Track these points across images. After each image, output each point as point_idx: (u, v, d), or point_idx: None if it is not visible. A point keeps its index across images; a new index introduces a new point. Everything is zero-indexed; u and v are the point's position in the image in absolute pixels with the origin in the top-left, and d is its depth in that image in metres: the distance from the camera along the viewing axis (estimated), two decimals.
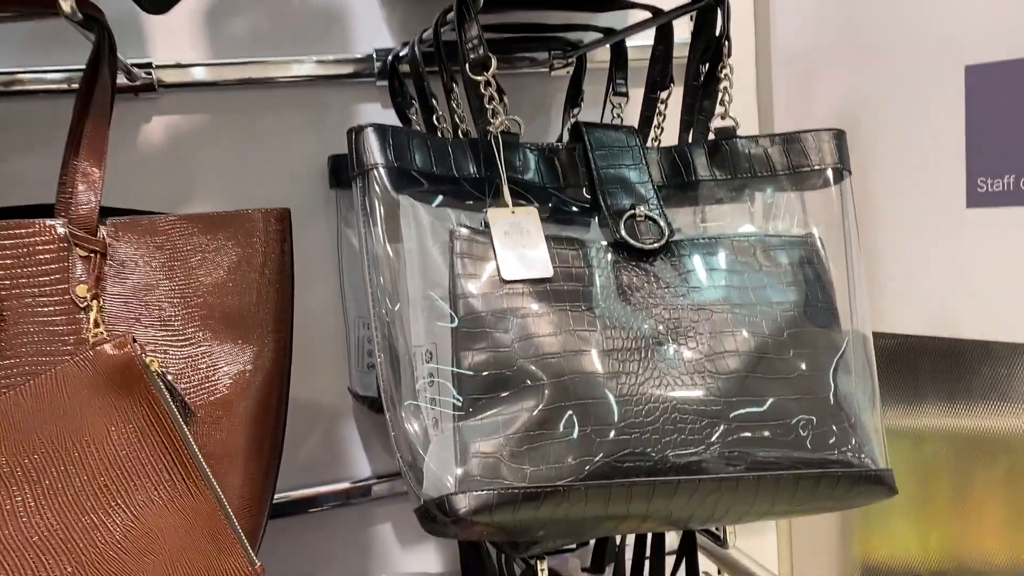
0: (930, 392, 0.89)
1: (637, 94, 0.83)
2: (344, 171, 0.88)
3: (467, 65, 0.62)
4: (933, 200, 0.81)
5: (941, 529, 0.90)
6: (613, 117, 0.87)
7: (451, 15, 0.66)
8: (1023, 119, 0.76)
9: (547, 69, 0.96)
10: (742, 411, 0.57)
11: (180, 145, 0.88)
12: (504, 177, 0.60)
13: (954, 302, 0.82)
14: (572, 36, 0.91)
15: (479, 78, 0.62)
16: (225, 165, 0.89)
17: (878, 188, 0.86)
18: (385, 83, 0.90)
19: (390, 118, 0.90)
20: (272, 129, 0.90)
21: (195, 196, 0.89)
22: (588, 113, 0.91)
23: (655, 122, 0.80)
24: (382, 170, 0.58)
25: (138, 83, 0.84)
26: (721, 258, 0.62)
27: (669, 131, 0.80)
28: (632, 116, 0.84)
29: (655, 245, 0.61)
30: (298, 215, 0.88)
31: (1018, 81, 0.76)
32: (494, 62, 0.63)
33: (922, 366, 0.88)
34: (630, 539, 0.89)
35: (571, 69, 0.93)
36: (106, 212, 0.65)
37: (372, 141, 0.59)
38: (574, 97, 0.91)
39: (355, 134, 0.60)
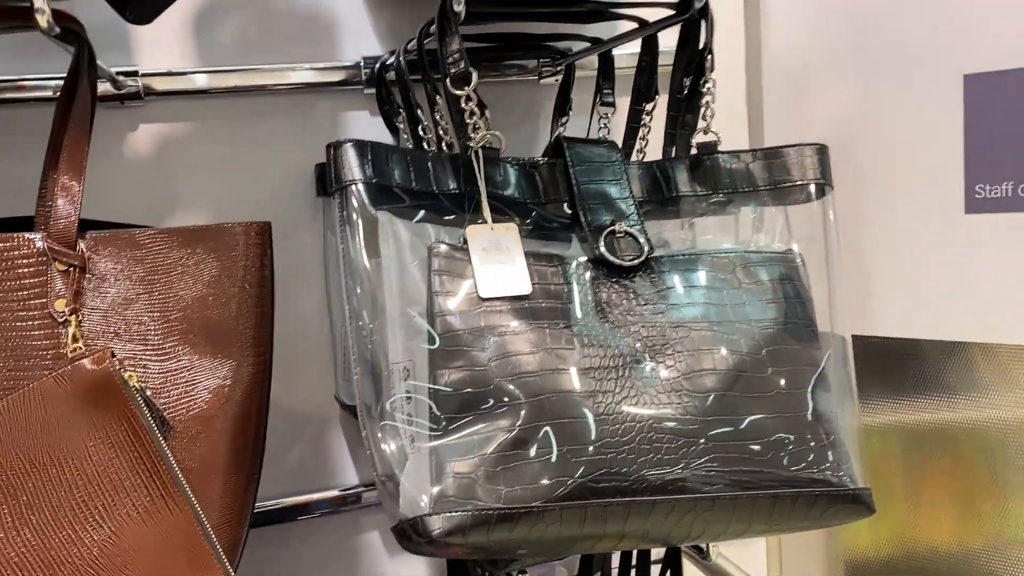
0: (875, 389, 0.93)
1: (625, 102, 0.83)
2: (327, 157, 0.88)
3: (448, 80, 0.62)
4: (932, 206, 0.83)
5: (892, 520, 0.93)
6: (600, 127, 0.87)
7: (434, 27, 0.66)
8: (1021, 127, 0.78)
9: (536, 77, 0.96)
10: (719, 430, 0.57)
11: (166, 153, 0.88)
12: (484, 193, 0.59)
13: (952, 305, 0.84)
14: (561, 45, 0.91)
15: (460, 92, 0.61)
16: (212, 173, 0.89)
17: (878, 194, 0.87)
18: (373, 91, 0.89)
19: (378, 126, 0.90)
20: (259, 137, 0.90)
21: (181, 204, 0.89)
22: (576, 121, 0.90)
23: (640, 133, 0.80)
24: (361, 186, 0.58)
25: (124, 91, 0.84)
26: (701, 275, 0.62)
27: (655, 141, 0.80)
28: (619, 125, 0.84)
29: (634, 262, 0.61)
30: (285, 223, 0.89)
31: (1016, 90, 0.78)
32: (475, 77, 0.63)
33: (866, 365, 0.91)
34: None
35: (560, 77, 0.93)
36: (86, 225, 0.65)
37: (351, 157, 0.59)
38: (562, 105, 0.91)
39: (334, 150, 0.60)
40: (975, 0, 0.80)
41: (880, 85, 0.86)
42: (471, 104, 0.62)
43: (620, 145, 0.80)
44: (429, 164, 0.61)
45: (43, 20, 0.58)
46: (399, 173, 0.59)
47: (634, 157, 0.80)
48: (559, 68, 0.94)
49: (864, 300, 0.89)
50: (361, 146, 0.59)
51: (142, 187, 0.87)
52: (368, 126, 0.92)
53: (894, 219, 0.86)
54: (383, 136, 0.89)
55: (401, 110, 0.81)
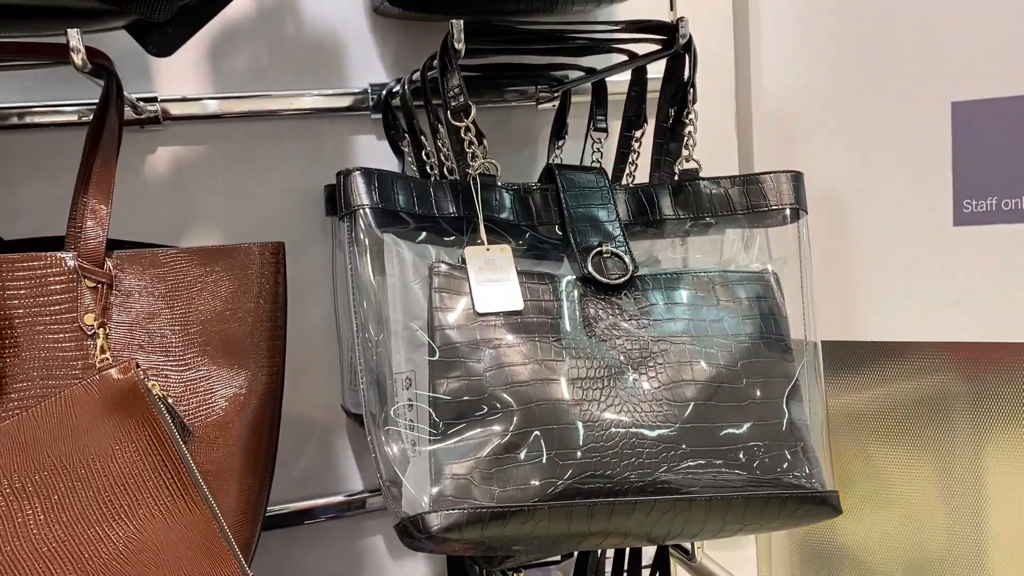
0: None
1: (618, 126, 0.87)
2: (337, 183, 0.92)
3: (449, 112, 0.67)
4: (923, 219, 0.92)
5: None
6: (594, 150, 0.92)
7: (436, 61, 0.71)
8: (1003, 148, 0.89)
9: (534, 103, 1.01)
10: (697, 437, 0.61)
11: (184, 174, 0.93)
12: (481, 217, 0.64)
13: (941, 309, 0.93)
14: (558, 72, 0.96)
15: (459, 124, 0.66)
16: (227, 193, 0.94)
17: (873, 208, 0.95)
18: (379, 116, 0.94)
19: (384, 149, 0.95)
20: (271, 159, 0.95)
21: (198, 223, 0.94)
22: (572, 144, 0.96)
23: (630, 159, 0.84)
24: (368, 210, 0.63)
25: (144, 116, 0.89)
26: (682, 293, 0.67)
27: (644, 166, 0.85)
28: (612, 148, 0.89)
29: (620, 280, 0.66)
30: (295, 239, 0.93)
31: (998, 115, 0.89)
32: (473, 110, 0.68)
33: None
34: (610, 552, 0.94)
35: (556, 103, 0.98)
36: (112, 244, 0.70)
37: (359, 183, 0.64)
38: (559, 130, 0.96)
39: (343, 177, 0.65)
40: (960, 33, 0.89)
41: (873, 111, 0.94)
42: (470, 134, 0.66)
43: (612, 169, 0.86)
44: (431, 190, 0.66)
45: (78, 59, 0.63)
46: (403, 198, 0.64)
47: (624, 181, 0.85)
48: (556, 94, 0.99)
49: (856, 306, 0.97)
50: (368, 174, 0.64)
51: (161, 206, 0.92)
52: (374, 149, 0.97)
53: (889, 231, 0.94)
54: (389, 158, 0.94)
55: (406, 135, 0.87)
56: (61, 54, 0.66)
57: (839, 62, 0.95)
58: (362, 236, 0.63)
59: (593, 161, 0.87)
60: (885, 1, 0.93)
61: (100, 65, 0.67)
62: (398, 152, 0.92)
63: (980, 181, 0.90)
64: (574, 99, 0.97)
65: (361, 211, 0.63)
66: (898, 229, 0.93)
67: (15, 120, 0.88)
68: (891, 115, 0.93)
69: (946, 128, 0.90)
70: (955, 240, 0.91)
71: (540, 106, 1.01)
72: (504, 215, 0.67)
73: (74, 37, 0.65)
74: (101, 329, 0.66)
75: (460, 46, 0.66)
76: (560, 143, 0.96)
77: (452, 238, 0.65)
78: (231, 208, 0.94)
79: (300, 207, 0.96)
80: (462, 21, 0.68)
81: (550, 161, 0.95)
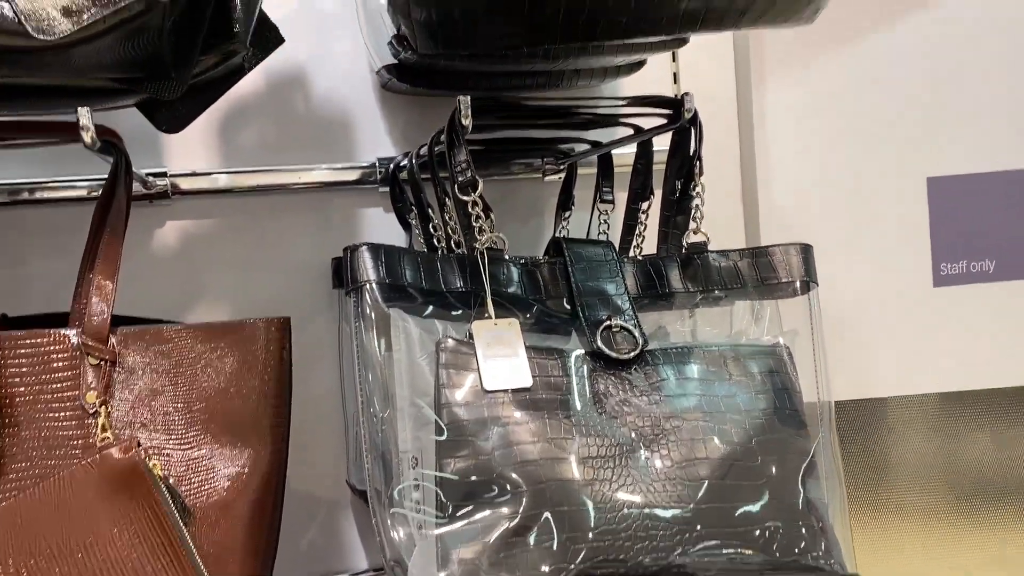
0: None
1: (624, 197, 0.87)
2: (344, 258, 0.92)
3: (456, 187, 0.67)
4: (906, 281, 1.04)
5: None
6: (601, 221, 0.92)
7: (443, 136, 0.72)
8: (974, 218, 1.04)
9: (540, 175, 1.01)
10: (712, 517, 0.59)
11: (192, 248, 0.93)
12: (488, 291, 0.64)
13: (923, 362, 1.04)
14: (564, 145, 0.96)
15: (467, 199, 0.66)
16: (234, 266, 0.94)
17: (863, 274, 1.04)
18: (387, 189, 0.95)
19: (392, 222, 0.95)
20: (279, 232, 0.95)
21: (205, 296, 0.94)
22: (578, 216, 0.96)
23: (637, 230, 0.84)
24: (375, 285, 0.63)
25: (153, 191, 0.90)
26: (693, 367, 0.65)
27: (652, 235, 0.84)
28: (619, 219, 0.89)
29: (630, 355, 0.65)
30: (301, 313, 0.93)
31: (967, 189, 1.04)
32: (480, 184, 0.68)
33: None
34: None
35: (563, 175, 0.98)
36: (117, 320, 0.69)
37: (366, 259, 0.64)
38: (565, 201, 0.96)
39: (350, 252, 0.65)
40: (934, 117, 1.04)
41: (861, 186, 1.04)
42: (477, 209, 0.66)
43: (619, 240, 0.85)
44: (438, 265, 0.65)
45: (87, 137, 0.63)
46: (410, 273, 0.64)
47: (632, 252, 0.84)
48: (562, 167, 0.99)
49: (854, 367, 1.04)
50: (375, 249, 0.64)
51: (169, 280, 0.92)
52: (382, 222, 0.98)
53: (876, 293, 1.04)
54: (396, 231, 0.94)
55: (413, 208, 0.87)
56: (71, 132, 0.66)
57: (836, 140, 1.03)
58: (368, 311, 0.63)
59: (600, 233, 0.87)
60: (872, 84, 1.03)
61: (110, 143, 0.67)
62: (405, 225, 0.92)
63: (954, 247, 1.05)
64: (580, 171, 0.97)
65: (368, 286, 0.62)
66: (883, 291, 1.04)
67: (26, 195, 0.89)
68: (875, 191, 1.04)
69: (923, 202, 1.04)
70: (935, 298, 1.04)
71: (547, 178, 1.01)
72: (512, 289, 0.66)
73: (84, 116, 0.66)
74: (103, 407, 0.65)
75: (467, 122, 0.67)
76: (567, 214, 0.96)
77: (459, 312, 0.65)
78: (238, 281, 0.94)
79: (308, 280, 0.96)
80: (469, 97, 0.68)
81: (557, 233, 0.95)
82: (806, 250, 0.72)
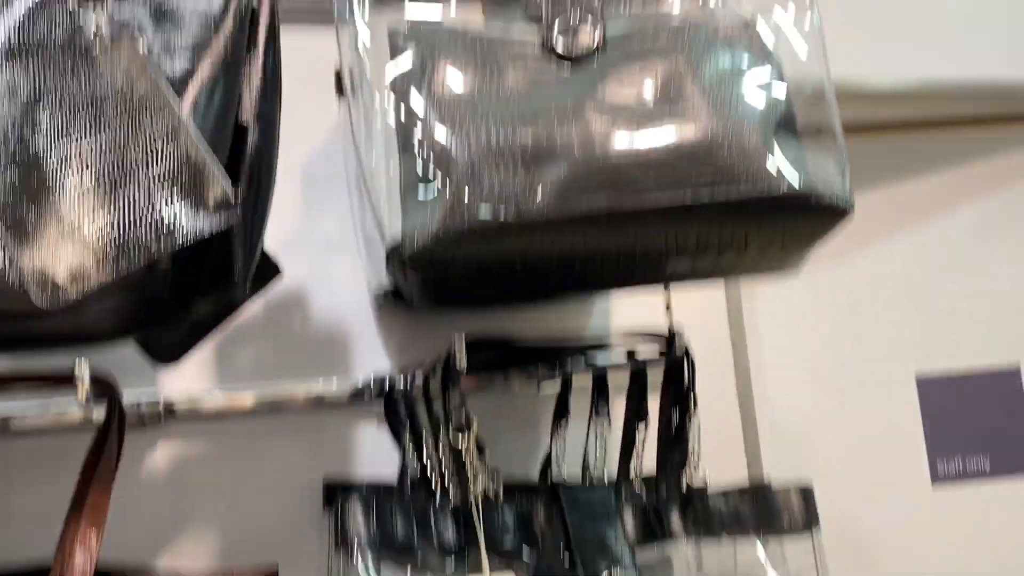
0: None
1: (621, 412, 0.87)
2: (335, 495, 0.90)
3: (449, 431, 0.67)
4: (906, 479, 1.11)
5: None
6: (596, 435, 0.91)
7: (438, 373, 0.72)
8: (965, 417, 1.11)
9: (536, 385, 1.01)
10: None
11: (182, 472, 0.92)
12: (483, 549, 0.62)
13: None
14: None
15: (460, 446, 0.66)
16: (225, 490, 0.92)
17: (867, 474, 1.09)
18: (381, 408, 0.94)
19: (384, 440, 0.94)
20: (271, 453, 0.94)
21: (194, 521, 0.91)
22: (575, 424, 0.94)
23: (634, 452, 0.83)
24: (365, 545, 0.61)
25: (145, 415, 0.89)
26: None
27: (651, 448, 0.83)
28: (617, 431, 0.87)
29: None
30: (291, 536, 0.91)
31: (956, 390, 1.12)
32: (475, 424, 0.67)
33: None
34: None
35: (558, 383, 0.98)
36: (100, 573, 0.67)
37: (357, 514, 0.62)
38: (561, 411, 0.95)
39: (342, 501, 0.63)
40: (924, 316, 1.12)
41: (856, 391, 1.10)
42: (471, 455, 0.66)
43: (617, 461, 0.84)
44: (431, 519, 0.64)
45: (82, 394, 0.63)
46: (402, 531, 0.62)
47: (631, 475, 0.83)
48: (557, 375, 0.99)
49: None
50: (367, 501, 0.63)
51: (156, 504, 0.90)
52: (375, 439, 0.96)
53: (881, 492, 1.09)
54: (389, 449, 0.93)
55: (407, 431, 0.86)
56: (67, 384, 0.66)
57: (830, 360, 1.09)
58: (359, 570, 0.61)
59: (596, 458, 0.86)
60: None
61: (103, 393, 0.67)
62: (399, 440, 0.91)
63: (949, 446, 1.11)
64: (576, 384, 0.97)
65: (359, 548, 0.61)
66: (886, 490, 1.09)
67: (16, 424, 0.88)
68: (866, 392, 1.11)
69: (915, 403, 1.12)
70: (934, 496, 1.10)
71: (542, 393, 1.01)
72: (507, 542, 0.64)
73: (81, 367, 0.66)
74: None
75: (463, 366, 0.67)
76: (563, 421, 0.95)
77: (453, 571, 0.63)
78: (228, 505, 0.92)
79: (298, 501, 0.93)
80: (464, 339, 0.69)
81: (553, 449, 0.94)
82: (807, 493, 0.71)
